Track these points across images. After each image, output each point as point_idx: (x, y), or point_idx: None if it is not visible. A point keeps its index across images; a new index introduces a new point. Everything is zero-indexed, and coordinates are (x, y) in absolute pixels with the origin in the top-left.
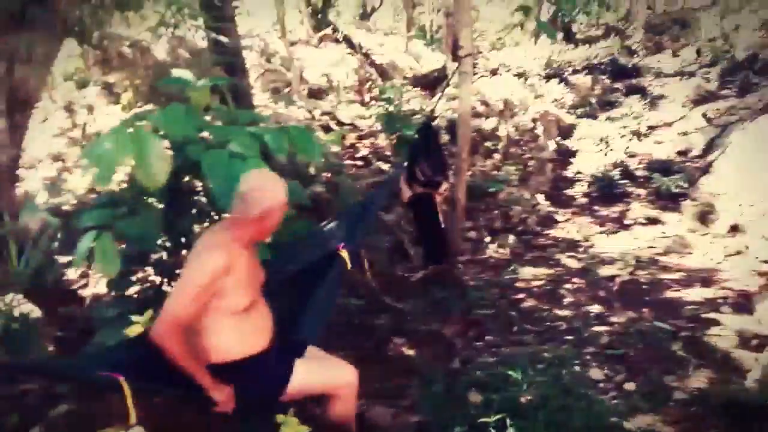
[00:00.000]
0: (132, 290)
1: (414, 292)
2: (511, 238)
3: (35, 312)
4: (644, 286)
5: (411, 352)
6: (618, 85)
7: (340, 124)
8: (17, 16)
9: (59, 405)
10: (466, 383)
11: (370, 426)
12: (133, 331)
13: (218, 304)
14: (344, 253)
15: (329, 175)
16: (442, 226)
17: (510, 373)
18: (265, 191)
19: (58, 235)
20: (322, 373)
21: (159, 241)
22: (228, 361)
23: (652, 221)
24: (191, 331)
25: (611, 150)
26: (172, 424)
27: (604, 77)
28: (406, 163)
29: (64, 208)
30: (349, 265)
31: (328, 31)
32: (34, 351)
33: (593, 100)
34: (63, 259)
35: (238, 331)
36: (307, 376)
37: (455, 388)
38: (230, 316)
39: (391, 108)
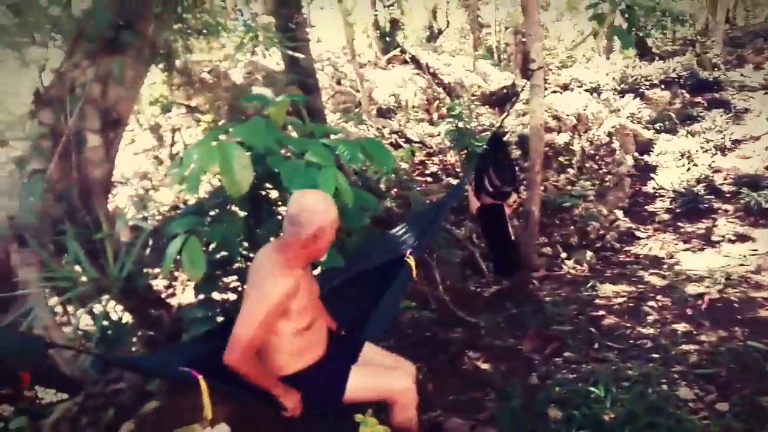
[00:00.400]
0: (217, 295)
1: (487, 306)
2: (589, 254)
3: (127, 316)
4: (735, 305)
5: (486, 367)
6: (698, 99)
7: (408, 141)
8: (111, 41)
9: (149, 402)
10: (546, 399)
11: None
12: None
13: (284, 326)
14: (411, 260)
15: (398, 191)
16: (512, 237)
17: (592, 389)
18: (315, 211)
19: (149, 244)
20: (376, 380)
21: (241, 249)
22: (288, 374)
23: (742, 238)
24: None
25: (694, 165)
26: (254, 422)
27: (683, 91)
28: (473, 174)
29: (150, 222)
30: (415, 272)
31: (396, 52)
32: (126, 351)
33: (672, 115)
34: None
35: (300, 348)
36: (360, 383)
37: (534, 404)
38: (294, 335)
39: (460, 124)
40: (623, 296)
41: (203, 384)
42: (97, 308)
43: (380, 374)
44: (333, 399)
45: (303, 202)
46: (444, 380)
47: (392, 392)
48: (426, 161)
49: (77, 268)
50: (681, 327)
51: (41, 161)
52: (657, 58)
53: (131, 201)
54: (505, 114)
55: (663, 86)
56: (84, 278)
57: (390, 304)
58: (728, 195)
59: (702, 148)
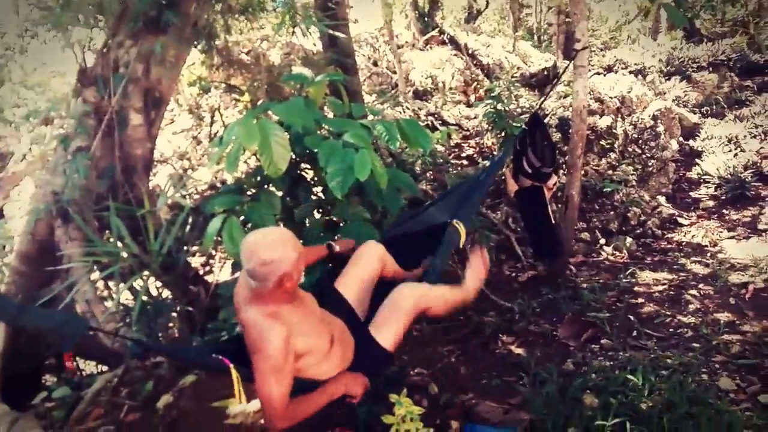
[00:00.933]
0: None
1: (522, 291)
2: (629, 241)
3: (166, 291)
4: None
5: (520, 351)
6: (748, 82)
7: (445, 124)
8: (154, 20)
9: (187, 375)
10: (581, 385)
11: (480, 420)
12: None
13: (306, 361)
14: (460, 226)
15: (433, 173)
16: (552, 221)
17: (630, 377)
18: (271, 262)
19: (188, 222)
20: (403, 321)
21: None
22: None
23: None
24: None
25: (741, 150)
26: None
27: (732, 74)
28: (512, 153)
29: (189, 201)
30: (463, 238)
31: (434, 33)
32: (164, 326)
33: (720, 98)
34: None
35: (335, 359)
36: (396, 334)
37: (569, 390)
38: (322, 360)
39: (499, 106)
40: (664, 284)
41: (234, 372)
42: (138, 284)
43: (401, 315)
44: (383, 365)
45: (256, 256)
46: (477, 364)
47: (418, 311)
48: (462, 144)
49: (119, 244)
50: (723, 316)
51: (85, 139)
52: (705, 39)
53: (170, 180)
54: (546, 95)
55: (711, 69)
56: (125, 254)
57: (438, 266)
58: None
59: (750, 133)
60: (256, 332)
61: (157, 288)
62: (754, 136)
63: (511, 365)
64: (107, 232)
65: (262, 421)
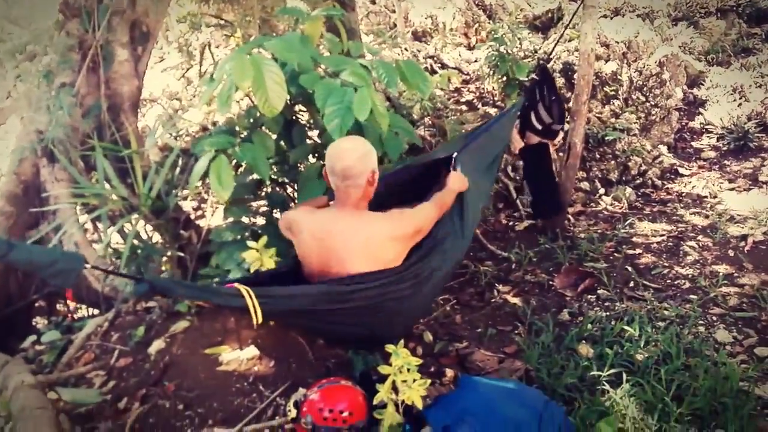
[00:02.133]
0: (246, 219)
1: (519, 240)
2: (629, 191)
3: (157, 236)
4: None
5: (516, 301)
6: (756, 30)
7: (444, 67)
8: None
9: (179, 321)
10: (577, 335)
11: (475, 369)
12: (250, 255)
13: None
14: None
15: (432, 119)
16: (556, 179)
17: (626, 328)
18: (363, 156)
19: (179, 164)
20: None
21: (271, 173)
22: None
23: None
24: None
25: (746, 100)
26: (282, 346)
27: (740, 21)
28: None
29: (180, 142)
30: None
31: None
32: (156, 271)
33: (727, 46)
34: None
35: None
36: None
37: (564, 340)
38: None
39: (502, 48)
40: (662, 235)
41: (246, 292)
42: (127, 227)
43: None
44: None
45: (347, 155)
46: (473, 312)
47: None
48: (462, 88)
49: (106, 185)
50: (722, 269)
51: (69, 74)
52: None
53: (160, 120)
54: (556, 42)
55: (719, 15)
56: (114, 196)
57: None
58: None
59: (756, 83)
60: (387, 216)
61: (147, 232)
62: (760, 86)
63: (507, 315)
64: (94, 173)
65: (255, 368)
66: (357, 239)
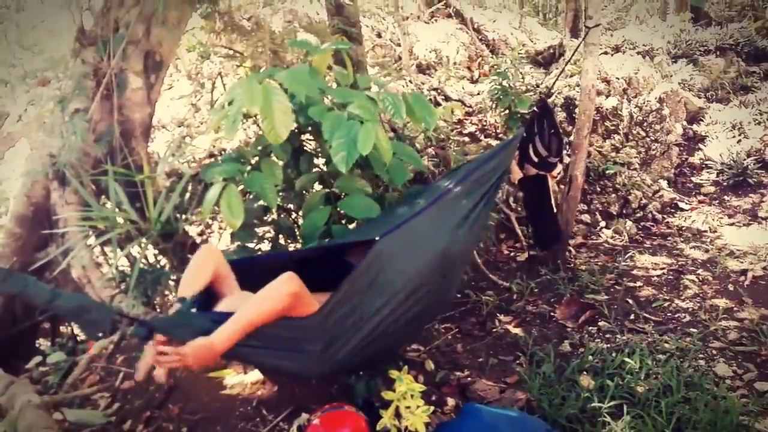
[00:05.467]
0: (252, 244)
1: (521, 271)
2: (629, 224)
3: (163, 259)
4: None
5: (517, 331)
6: (754, 68)
7: (448, 99)
8: None
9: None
10: (578, 367)
11: (476, 398)
12: None
13: None
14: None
15: (436, 149)
16: (554, 210)
17: (627, 360)
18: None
19: (188, 189)
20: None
21: (279, 201)
22: None
23: None
24: None
25: (745, 137)
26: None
27: (738, 59)
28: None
29: (187, 169)
30: None
31: (440, 5)
32: (162, 294)
33: (726, 83)
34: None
35: None
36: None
37: (565, 371)
38: None
39: (504, 82)
40: (662, 268)
41: None
42: (135, 250)
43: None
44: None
45: None
46: (474, 342)
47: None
48: (464, 120)
49: (116, 209)
50: (721, 302)
51: (83, 101)
52: (713, 23)
53: (169, 146)
54: (557, 77)
55: (718, 53)
56: (122, 220)
57: None
58: None
59: (755, 119)
60: None
61: (155, 255)
62: (759, 123)
63: (508, 344)
64: (104, 197)
65: (259, 392)
66: None
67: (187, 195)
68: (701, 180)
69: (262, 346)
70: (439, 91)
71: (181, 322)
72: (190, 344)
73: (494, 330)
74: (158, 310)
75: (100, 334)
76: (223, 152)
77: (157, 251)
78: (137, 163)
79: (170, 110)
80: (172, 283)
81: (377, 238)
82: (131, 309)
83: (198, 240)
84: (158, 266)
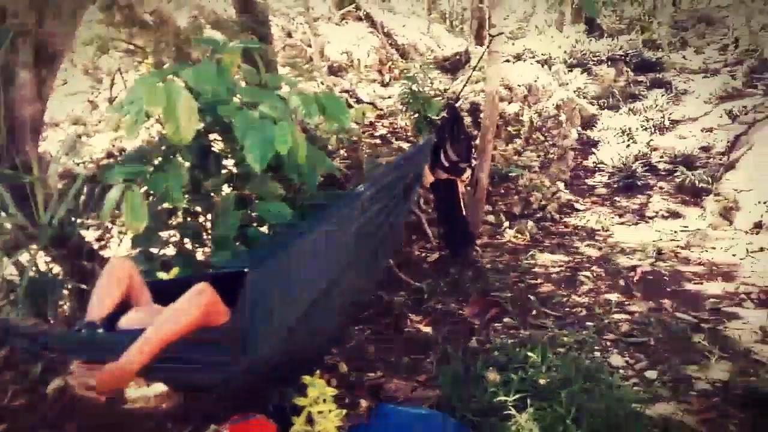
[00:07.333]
0: (156, 249)
1: (431, 271)
2: (530, 224)
3: (57, 267)
4: (665, 278)
5: (428, 330)
6: (641, 78)
7: (359, 102)
8: None
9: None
10: (485, 362)
11: (388, 398)
12: None
13: None
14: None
15: (347, 151)
16: (464, 213)
17: (529, 354)
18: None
19: (83, 192)
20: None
21: (185, 204)
22: None
23: (674, 214)
24: None
25: (634, 142)
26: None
27: (627, 69)
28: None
29: (84, 169)
30: None
31: (351, 8)
32: (55, 304)
33: (616, 92)
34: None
35: None
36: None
37: (473, 367)
38: None
39: (414, 87)
40: (560, 266)
41: None
42: (24, 258)
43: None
44: None
45: None
46: (386, 342)
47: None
48: (376, 123)
49: (2, 214)
50: (614, 297)
51: None
52: (605, 34)
53: (62, 145)
54: (464, 83)
55: (609, 63)
56: (9, 225)
57: None
58: (664, 173)
59: (642, 126)
60: None
61: (47, 263)
62: (645, 129)
63: (420, 343)
64: None
65: (163, 405)
66: None
67: (82, 198)
68: (594, 182)
69: (175, 362)
70: (350, 93)
71: (82, 340)
72: (99, 369)
73: (406, 330)
74: (51, 321)
75: None
76: (122, 152)
77: (49, 258)
78: (26, 164)
79: (64, 107)
80: (66, 292)
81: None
82: (20, 321)
83: (96, 246)
84: (50, 275)
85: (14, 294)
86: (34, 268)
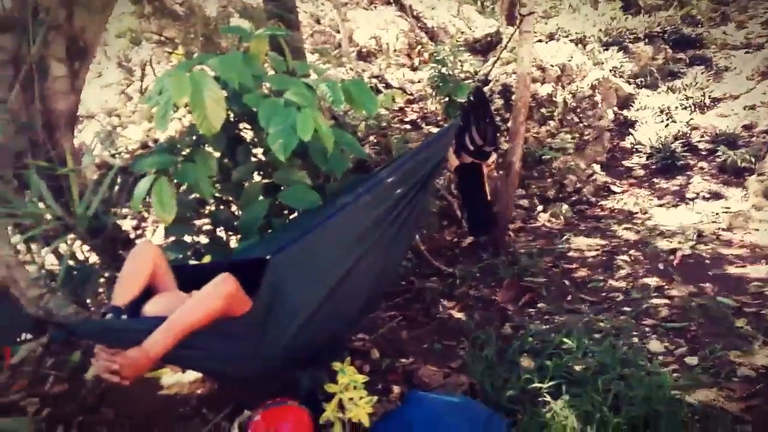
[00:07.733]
0: (188, 238)
1: (463, 256)
2: (565, 208)
3: (93, 256)
4: (706, 261)
5: (460, 316)
6: (680, 55)
7: (388, 87)
8: None
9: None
10: (519, 348)
11: (420, 384)
12: None
13: None
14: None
15: (377, 137)
16: (488, 198)
17: (565, 340)
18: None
19: (117, 182)
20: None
21: (216, 193)
22: None
23: (715, 195)
24: None
25: (673, 121)
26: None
27: (666, 47)
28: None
29: (119, 160)
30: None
31: None
32: (93, 292)
33: (654, 70)
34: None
35: None
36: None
37: (507, 353)
38: None
39: (444, 70)
40: (597, 249)
41: None
42: (63, 248)
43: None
44: None
45: None
46: (418, 329)
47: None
48: (405, 108)
49: (41, 205)
50: (652, 281)
51: (1, 91)
52: (642, 11)
53: (98, 137)
54: (492, 65)
55: (646, 40)
56: (48, 216)
57: None
58: (704, 153)
59: (681, 105)
60: None
61: (84, 252)
62: (685, 108)
63: (452, 329)
64: (28, 191)
65: (198, 391)
66: None
67: (117, 188)
68: (632, 163)
69: (199, 350)
70: (380, 78)
71: (106, 327)
72: (122, 354)
73: (438, 316)
74: (91, 309)
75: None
76: (156, 142)
77: (87, 248)
78: (62, 156)
79: (99, 99)
80: (103, 280)
81: (268, 258)
82: (60, 309)
83: (133, 235)
84: (88, 263)
85: (54, 283)
86: (71, 258)
